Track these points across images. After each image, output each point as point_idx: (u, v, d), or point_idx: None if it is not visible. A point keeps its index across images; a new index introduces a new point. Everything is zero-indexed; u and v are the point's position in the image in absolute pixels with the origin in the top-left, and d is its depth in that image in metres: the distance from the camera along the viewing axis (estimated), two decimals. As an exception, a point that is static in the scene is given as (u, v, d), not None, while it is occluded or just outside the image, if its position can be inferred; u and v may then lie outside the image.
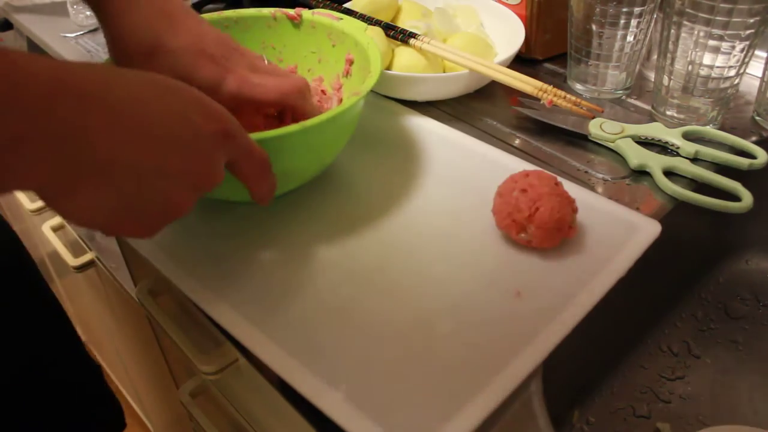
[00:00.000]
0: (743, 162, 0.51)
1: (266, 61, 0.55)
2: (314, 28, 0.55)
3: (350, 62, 0.53)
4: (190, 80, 0.42)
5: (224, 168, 0.37)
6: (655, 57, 0.61)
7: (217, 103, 0.36)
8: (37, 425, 0.61)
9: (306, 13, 0.55)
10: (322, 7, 0.59)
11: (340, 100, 0.54)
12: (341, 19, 0.54)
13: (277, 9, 0.55)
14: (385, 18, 0.63)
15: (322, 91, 0.55)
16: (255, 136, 0.41)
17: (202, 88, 0.37)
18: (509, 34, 0.64)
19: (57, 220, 0.84)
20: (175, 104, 0.33)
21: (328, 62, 0.56)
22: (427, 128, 0.57)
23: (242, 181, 0.39)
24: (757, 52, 0.58)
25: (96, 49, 0.74)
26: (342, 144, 0.49)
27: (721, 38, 0.50)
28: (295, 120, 0.48)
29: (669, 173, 0.51)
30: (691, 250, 0.59)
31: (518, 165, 0.52)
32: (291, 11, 0.55)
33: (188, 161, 0.33)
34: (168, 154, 0.32)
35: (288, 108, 0.48)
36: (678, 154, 0.53)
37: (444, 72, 0.61)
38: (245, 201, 0.49)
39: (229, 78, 0.44)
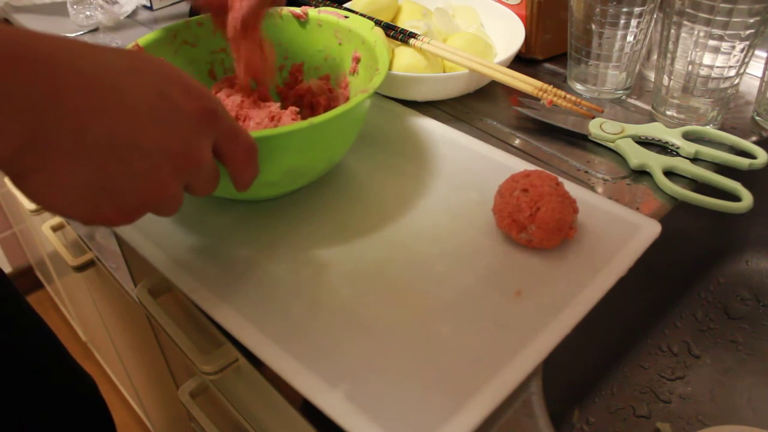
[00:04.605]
0: (743, 162, 0.51)
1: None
2: (320, 26, 0.55)
3: (357, 60, 0.53)
4: None
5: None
6: (655, 57, 0.61)
7: (198, 82, 0.34)
8: None
9: (312, 11, 0.55)
10: (324, 7, 0.58)
11: (347, 98, 0.54)
12: (347, 17, 0.54)
13: (283, 7, 0.55)
14: (385, 18, 0.63)
15: (329, 89, 0.55)
16: (263, 132, 0.41)
17: None
18: (509, 34, 0.64)
19: (57, 219, 0.83)
20: (151, 80, 0.32)
21: (335, 60, 0.56)
22: (427, 128, 0.57)
23: (225, 165, 0.38)
24: (757, 52, 0.58)
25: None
26: (350, 141, 0.49)
27: (721, 38, 0.50)
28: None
29: (669, 173, 0.51)
30: (691, 250, 0.59)
31: (518, 165, 0.52)
32: (297, 9, 0.55)
33: (167, 139, 0.32)
34: (145, 129, 0.30)
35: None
36: (678, 154, 0.53)
37: (444, 72, 0.61)
38: (238, 198, 0.49)
39: None
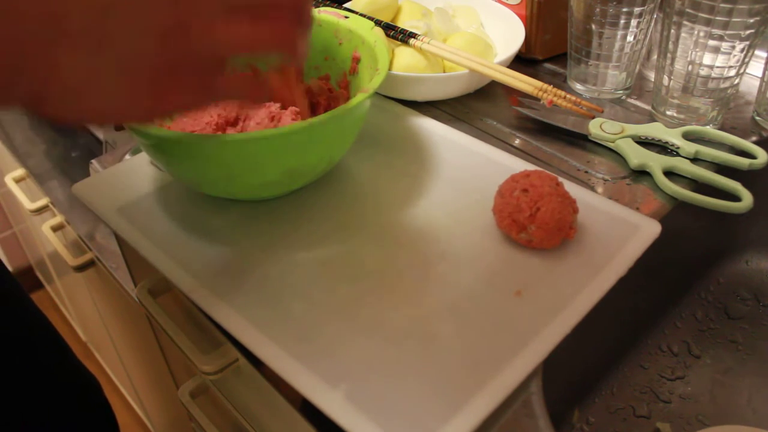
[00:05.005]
0: (743, 162, 0.51)
1: None
2: (320, 26, 0.55)
3: (357, 60, 0.53)
4: None
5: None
6: (655, 57, 0.61)
7: None
8: None
9: (312, 11, 0.55)
10: (324, 7, 0.59)
11: (347, 98, 0.54)
12: (347, 17, 0.54)
13: None
14: (385, 18, 0.63)
15: (329, 90, 0.55)
16: (263, 132, 0.41)
17: None
18: (509, 34, 0.64)
19: (57, 219, 0.83)
20: None
21: (335, 60, 0.56)
22: (427, 128, 0.57)
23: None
24: (757, 52, 0.58)
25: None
26: (350, 141, 0.49)
27: (721, 38, 0.50)
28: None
29: (669, 173, 0.51)
30: (691, 250, 0.59)
31: (518, 165, 0.52)
32: None
33: None
34: None
35: None
36: (678, 154, 0.53)
37: (444, 72, 0.61)
38: (238, 198, 0.49)
39: None
